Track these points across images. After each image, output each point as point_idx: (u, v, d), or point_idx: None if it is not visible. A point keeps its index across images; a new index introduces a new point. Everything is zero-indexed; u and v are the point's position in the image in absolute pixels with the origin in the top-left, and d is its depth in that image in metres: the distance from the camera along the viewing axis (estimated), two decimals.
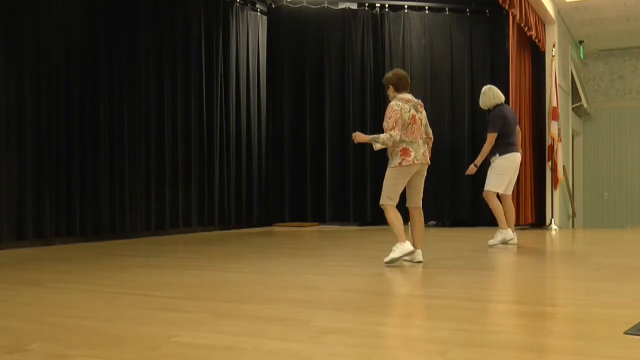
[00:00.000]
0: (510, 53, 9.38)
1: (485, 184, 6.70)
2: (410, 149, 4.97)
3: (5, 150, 6.41)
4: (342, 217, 10.19)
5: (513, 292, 4.03)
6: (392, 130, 4.89)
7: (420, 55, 10.24)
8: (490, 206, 6.68)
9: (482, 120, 10.18)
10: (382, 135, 4.91)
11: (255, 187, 10.01)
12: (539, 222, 9.80)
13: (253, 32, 10.12)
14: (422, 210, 5.23)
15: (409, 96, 5.07)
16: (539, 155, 9.99)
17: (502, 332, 2.73)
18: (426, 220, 10.01)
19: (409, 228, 5.19)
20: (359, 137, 5.08)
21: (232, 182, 9.55)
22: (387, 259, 4.92)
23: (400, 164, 4.96)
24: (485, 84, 10.08)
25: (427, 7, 10.25)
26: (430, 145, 5.33)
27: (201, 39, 8.95)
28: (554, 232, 9.12)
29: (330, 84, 10.20)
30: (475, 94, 10.32)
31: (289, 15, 10.26)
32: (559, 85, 9.90)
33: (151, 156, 8.11)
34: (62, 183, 6.93)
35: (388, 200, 5.02)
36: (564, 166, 10.27)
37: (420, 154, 5.04)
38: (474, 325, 2.80)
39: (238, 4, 9.72)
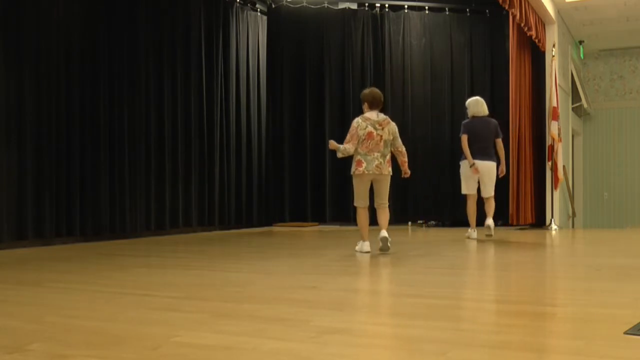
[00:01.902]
0: (510, 53, 9.39)
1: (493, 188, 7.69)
2: (363, 160, 5.79)
3: (5, 150, 6.40)
4: (342, 217, 10.19)
5: (513, 292, 4.03)
6: (347, 144, 5.79)
7: (420, 55, 10.24)
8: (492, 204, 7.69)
9: None
10: (341, 146, 5.82)
11: (255, 187, 10.01)
12: (539, 222, 9.81)
13: (253, 32, 10.12)
14: (387, 209, 5.98)
15: (372, 114, 5.85)
16: (539, 155, 10.00)
17: (502, 332, 2.73)
18: (426, 220, 10.16)
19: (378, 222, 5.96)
20: (332, 144, 5.91)
21: (232, 182, 9.56)
22: (359, 249, 5.92)
23: (353, 172, 5.86)
24: (485, 84, 10.21)
25: (427, 7, 10.25)
26: (403, 159, 6.10)
27: (201, 39, 8.95)
28: (554, 232, 9.12)
29: (330, 84, 10.20)
30: (475, 94, 10.33)
31: (289, 15, 10.26)
32: (559, 85, 9.90)
33: (151, 156, 8.11)
34: (62, 183, 6.93)
35: (356, 201, 5.92)
36: (564, 166, 10.27)
37: (372, 165, 5.79)
38: (474, 325, 2.80)
39: (238, 4, 9.72)
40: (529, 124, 9.83)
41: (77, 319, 3.00)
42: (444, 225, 10.18)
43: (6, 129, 6.43)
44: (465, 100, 10.16)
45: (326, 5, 10.25)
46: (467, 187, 7.59)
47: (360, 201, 5.87)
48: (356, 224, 10.03)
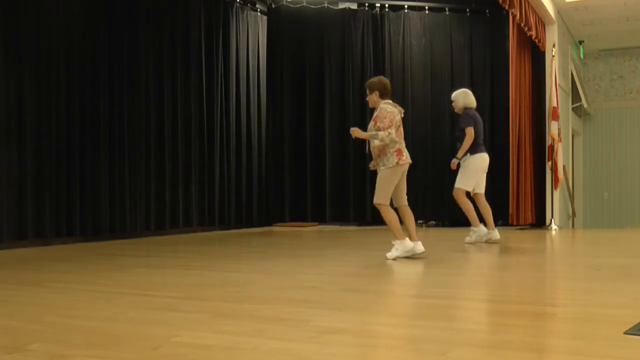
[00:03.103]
0: (510, 53, 9.39)
1: (456, 182, 6.92)
2: (402, 149, 5.36)
3: (5, 150, 6.40)
4: (342, 217, 10.19)
5: (513, 292, 4.03)
6: (389, 129, 5.22)
7: (420, 55, 10.24)
8: (461, 205, 6.92)
9: (482, 120, 10.19)
10: (381, 133, 5.21)
11: (255, 187, 10.01)
12: (539, 222, 9.80)
13: (253, 32, 10.12)
14: (409, 207, 5.55)
15: (392, 102, 5.47)
16: (539, 155, 9.99)
17: (502, 332, 2.73)
18: (426, 220, 10.16)
19: (404, 226, 5.49)
20: (357, 132, 5.35)
21: (232, 182, 9.55)
22: (389, 255, 5.28)
23: (397, 163, 5.30)
24: (485, 84, 10.21)
25: (427, 7, 10.25)
26: None
27: (201, 39, 8.95)
28: (554, 232, 9.12)
29: (330, 84, 10.20)
30: (475, 94, 10.28)
31: (289, 15, 10.26)
32: (559, 85, 9.90)
33: (151, 156, 8.11)
34: (62, 183, 6.93)
35: (384, 199, 5.34)
36: (564, 166, 10.27)
37: (408, 154, 5.44)
38: (474, 325, 2.80)
39: (238, 4, 9.72)
40: (529, 124, 9.82)
41: (77, 319, 3.00)
42: (444, 225, 10.17)
43: (6, 129, 6.43)
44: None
45: (326, 5, 10.25)
46: (471, 184, 6.87)
47: (389, 198, 5.37)
48: (356, 224, 9.94)
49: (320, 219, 10.18)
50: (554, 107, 9.61)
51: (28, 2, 6.64)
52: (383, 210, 5.35)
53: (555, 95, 9.63)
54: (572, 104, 12.11)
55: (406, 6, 10.23)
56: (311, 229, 9.69)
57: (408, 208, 5.52)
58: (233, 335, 2.61)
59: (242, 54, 9.85)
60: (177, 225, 8.50)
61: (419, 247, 5.33)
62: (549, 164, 9.77)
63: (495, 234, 6.94)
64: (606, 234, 9.78)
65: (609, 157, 13.96)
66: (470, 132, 6.75)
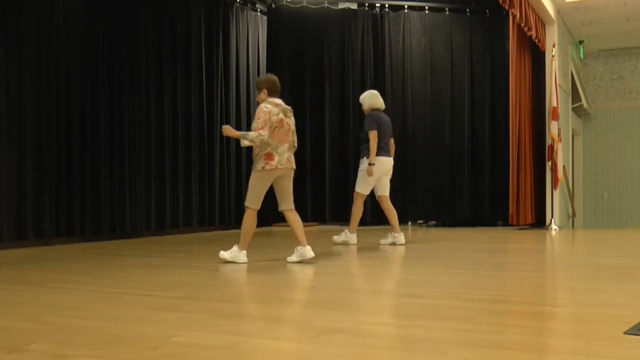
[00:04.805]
0: (510, 53, 9.39)
1: (355, 186, 6.88)
2: (274, 153, 5.08)
3: (6, 150, 6.40)
4: (342, 217, 10.18)
5: (513, 292, 4.03)
6: (261, 130, 4.99)
7: (420, 55, 10.24)
8: (353, 207, 6.92)
9: (481, 120, 10.22)
10: (251, 133, 5.01)
11: None
12: (539, 222, 9.81)
13: (253, 32, 10.11)
14: (295, 211, 5.38)
15: (278, 101, 5.21)
16: (539, 155, 10.00)
17: (502, 332, 2.73)
18: (426, 220, 10.16)
19: (293, 231, 5.33)
20: (227, 130, 5.17)
21: (232, 182, 9.55)
22: (221, 254, 5.20)
23: (263, 167, 5.08)
24: (485, 84, 10.21)
25: (427, 7, 10.25)
26: (293, 153, 5.38)
27: (201, 39, 8.95)
28: (554, 232, 9.12)
29: (330, 84, 10.20)
30: (475, 94, 10.37)
31: (289, 15, 10.26)
32: (559, 85, 9.90)
33: (151, 156, 8.11)
34: (62, 183, 6.93)
35: (252, 203, 5.19)
36: (564, 166, 10.27)
37: (284, 158, 5.14)
38: (474, 325, 2.80)
39: (238, 4, 9.72)
40: (529, 124, 9.83)
41: (77, 319, 3.00)
42: (444, 225, 10.18)
43: (6, 129, 6.43)
44: (466, 100, 10.23)
45: (326, 5, 10.25)
46: (368, 187, 6.77)
47: (258, 202, 5.22)
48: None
49: (320, 219, 10.18)
50: (554, 107, 9.61)
51: (28, 2, 6.64)
52: (246, 213, 5.23)
53: (555, 95, 9.64)
54: (572, 104, 12.11)
55: (406, 6, 10.22)
56: (311, 229, 9.69)
57: (293, 212, 5.34)
58: (233, 335, 2.61)
59: (242, 54, 9.85)
60: (177, 226, 8.50)
61: (309, 252, 5.17)
62: (549, 164, 9.77)
63: (401, 238, 6.91)
64: (606, 234, 9.78)
65: (609, 157, 13.96)
66: (373, 135, 6.62)
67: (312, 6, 10.24)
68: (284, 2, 10.24)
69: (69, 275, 4.71)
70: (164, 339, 2.54)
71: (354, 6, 10.30)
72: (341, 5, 10.32)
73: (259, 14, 10.25)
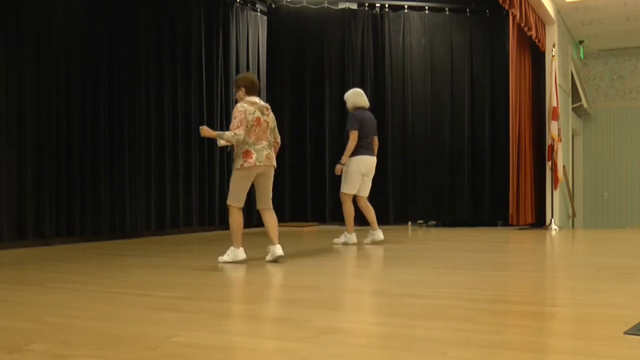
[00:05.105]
0: (510, 53, 9.39)
1: (341, 186, 6.94)
2: (252, 151, 5.11)
3: (6, 150, 6.41)
4: (342, 217, 10.13)
5: (513, 292, 4.03)
6: (237, 130, 5.03)
7: (420, 55, 10.24)
8: (343, 209, 6.96)
9: (481, 120, 10.22)
10: (227, 133, 5.06)
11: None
12: (539, 222, 9.81)
13: (253, 32, 10.11)
14: (273, 211, 5.38)
15: (256, 99, 5.26)
16: (539, 155, 10.00)
17: (502, 332, 2.73)
18: (426, 220, 10.16)
19: (267, 229, 5.31)
20: (205, 131, 5.20)
21: None
22: (220, 259, 5.19)
23: (242, 165, 5.11)
24: (485, 84, 10.21)
25: (427, 7, 10.25)
26: (277, 150, 5.48)
27: (201, 39, 8.95)
28: (554, 232, 9.12)
29: (330, 84, 10.20)
30: (475, 94, 10.37)
31: (289, 15, 10.26)
32: (559, 85, 9.90)
33: (151, 156, 8.11)
34: (62, 183, 6.93)
35: (234, 201, 5.17)
36: (564, 166, 10.27)
37: (263, 156, 5.17)
38: (474, 325, 2.80)
39: (238, 4, 9.72)
40: (529, 124, 9.83)
41: (77, 319, 3.00)
42: (444, 225, 10.18)
43: (6, 129, 6.43)
44: (466, 100, 10.23)
45: (326, 5, 10.25)
46: (354, 187, 6.84)
47: (240, 200, 5.18)
48: (356, 224, 10.01)
49: (320, 219, 10.18)
50: (554, 107, 9.61)
51: (28, 2, 6.64)
52: (230, 212, 5.20)
53: (555, 95, 9.64)
54: (572, 104, 12.11)
55: (406, 6, 10.23)
56: (311, 229, 9.69)
57: (270, 212, 5.34)
58: (232, 335, 2.61)
59: (242, 54, 9.85)
60: (178, 226, 8.50)
61: (278, 250, 5.16)
62: (549, 164, 9.77)
63: (379, 234, 6.93)
64: (606, 234, 9.78)
65: (609, 157, 13.96)
66: (353, 135, 6.64)
67: (312, 6, 10.24)
68: (284, 2, 10.24)
69: (69, 275, 4.71)
70: (164, 339, 2.54)
71: (354, 6, 10.30)
72: (341, 5, 10.32)
73: (259, 14, 10.25)
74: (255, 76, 5.37)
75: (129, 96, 7.79)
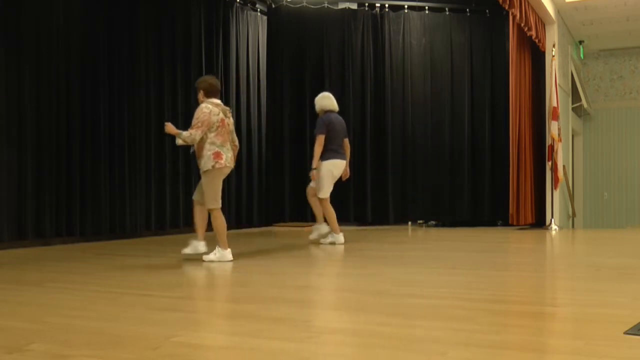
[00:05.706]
0: (510, 53, 9.39)
1: (318, 192, 7.00)
2: (221, 152, 5.21)
3: (6, 150, 6.41)
4: (342, 217, 10.16)
5: (513, 292, 4.03)
6: (195, 130, 5.11)
7: (420, 55, 10.24)
8: (325, 212, 7.05)
9: (481, 120, 10.22)
10: (184, 133, 5.14)
11: (255, 187, 10.00)
12: (539, 222, 9.80)
13: (253, 32, 10.11)
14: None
15: (217, 101, 5.33)
16: (539, 155, 10.00)
17: (502, 332, 2.73)
18: (426, 220, 10.16)
19: (195, 223, 5.54)
20: (169, 128, 5.27)
21: (232, 182, 9.54)
22: (206, 258, 5.28)
23: (213, 166, 5.19)
24: (485, 84, 10.21)
25: (427, 7, 10.25)
26: (236, 153, 5.56)
27: (201, 39, 8.95)
28: (554, 232, 9.12)
29: (330, 84, 10.19)
30: (475, 94, 10.37)
31: (289, 15, 10.26)
32: (559, 85, 9.90)
33: (151, 156, 8.11)
34: (62, 183, 6.93)
35: (214, 203, 5.26)
36: (564, 166, 10.27)
37: (229, 157, 5.29)
38: (474, 325, 2.80)
39: (238, 4, 9.72)
40: (529, 124, 9.83)
41: (77, 319, 3.00)
42: (444, 225, 10.18)
43: (6, 129, 6.43)
44: (466, 100, 10.23)
45: (326, 5, 10.25)
46: (329, 190, 6.97)
47: (219, 200, 5.28)
48: (356, 224, 9.96)
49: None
50: (554, 107, 9.61)
51: (28, 2, 6.64)
52: (213, 215, 5.30)
53: (555, 95, 9.63)
54: (572, 104, 12.11)
55: (406, 6, 10.22)
56: (311, 229, 9.67)
57: (204, 207, 5.38)
58: (233, 335, 2.61)
59: (242, 54, 9.85)
60: (178, 226, 8.50)
61: (201, 247, 5.39)
62: (549, 164, 9.77)
63: (324, 227, 7.06)
64: (606, 234, 9.78)
65: (609, 157, 13.96)
66: (319, 140, 6.72)
67: (312, 6, 10.24)
68: (284, 2, 10.24)
69: (69, 275, 4.71)
70: (164, 339, 2.54)
71: (354, 6, 10.30)
72: (341, 5, 10.32)
73: (259, 14, 10.25)
74: (216, 79, 5.47)
75: (129, 96, 7.79)
